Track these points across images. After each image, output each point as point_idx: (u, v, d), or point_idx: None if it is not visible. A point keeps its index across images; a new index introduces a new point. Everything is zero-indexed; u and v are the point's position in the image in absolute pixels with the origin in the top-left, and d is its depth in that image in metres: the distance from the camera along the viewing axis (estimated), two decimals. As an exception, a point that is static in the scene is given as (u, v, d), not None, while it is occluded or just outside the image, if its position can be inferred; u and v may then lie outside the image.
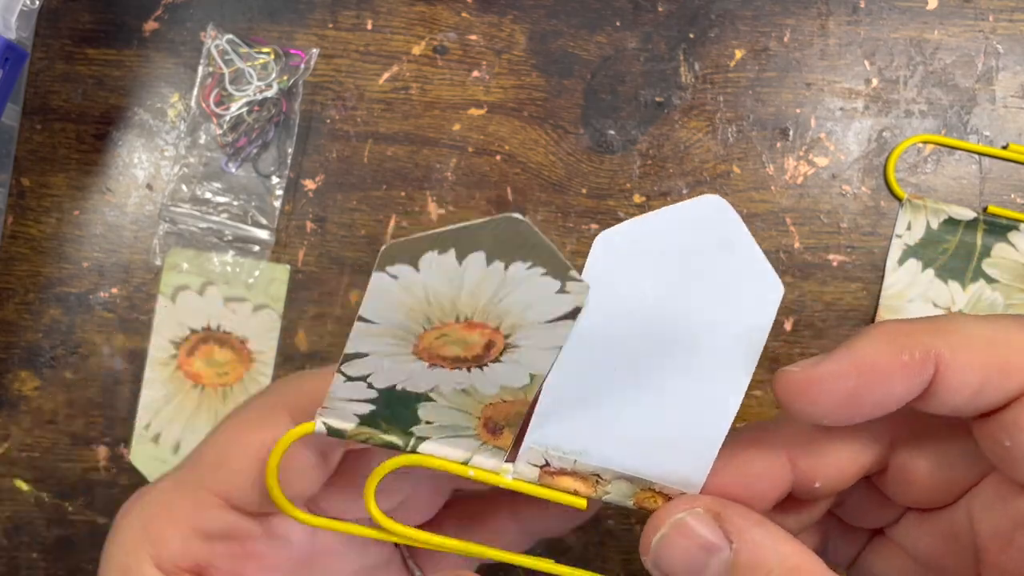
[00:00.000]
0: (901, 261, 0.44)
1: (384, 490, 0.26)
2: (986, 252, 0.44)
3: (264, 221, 0.44)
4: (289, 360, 0.44)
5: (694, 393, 0.22)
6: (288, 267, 0.44)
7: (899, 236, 0.44)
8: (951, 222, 0.44)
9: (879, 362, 0.21)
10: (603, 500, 0.24)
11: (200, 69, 0.44)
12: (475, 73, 0.45)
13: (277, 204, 0.44)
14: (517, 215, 0.20)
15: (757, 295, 0.21)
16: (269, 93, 0.44)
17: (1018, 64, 0.45)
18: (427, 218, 0.44)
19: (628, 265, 0.21)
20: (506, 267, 0.20)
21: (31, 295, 0.44)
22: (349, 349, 0.22)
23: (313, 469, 0.24)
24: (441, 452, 0.23)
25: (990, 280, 0.44)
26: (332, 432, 0.23)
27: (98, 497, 0.43)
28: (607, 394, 0.22)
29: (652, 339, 0.22)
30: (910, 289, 0.44)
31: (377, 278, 0.21)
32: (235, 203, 0.44)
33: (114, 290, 0.44)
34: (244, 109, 0.44)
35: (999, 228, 0.44)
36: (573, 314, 0.21)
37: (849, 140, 0.45)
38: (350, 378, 0.22)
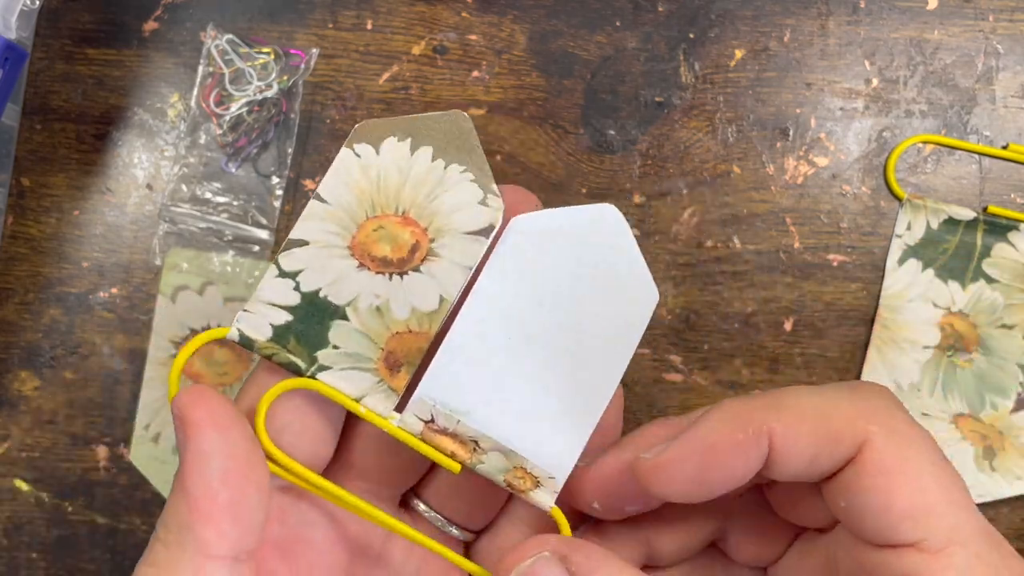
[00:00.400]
0: (901, 261, 0.44)
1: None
2: (986, 252, 0.44)
3: (264, 221, 0.44)
4: (289, 360, 0.44)
5: (574, 376, 0.25)
6: (288, 267, 0.44)
7: (899, 236, 0.44)
8: (951, 222, 0.44)
9: (718, 442, 0.22)
10: (476, 469, 0.25)
11: (200, 69, 0.44)
12: (475, 73, 0.45)
13: (277, 204, 0.44)
14: (464, 113, 0.25)
15: (636, 297, 0.25)
16: (269, 93, 0.44)
17: (1018, 64, 0.45)
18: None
19: (535, 247, 0.24)
20: (446, 166, 0.25)
21: (31, 295, 0.44)
22: (294, 235, 0.24)
23: (315, 433, 0.25)
24: (338, 385, 0.24)
25: (990, 280, 0.44)
26: (243, 341, 0.24)
27: (98, 497, 0.43)
28: (499, 361, 0.24)
29: (545, 317, 0.24)
30: (910, 289, 0.44)
31: (344, 153, 0.25)
32: (235, 203, 0.44)
33: (114, 290, 0.44)
34: (244, 109, 0.44)
35: (999, 228, 0.44)
36: (487, 231, 0.25)
37: (849, 140, 0.45)
38: (282, 273, 0.24)
